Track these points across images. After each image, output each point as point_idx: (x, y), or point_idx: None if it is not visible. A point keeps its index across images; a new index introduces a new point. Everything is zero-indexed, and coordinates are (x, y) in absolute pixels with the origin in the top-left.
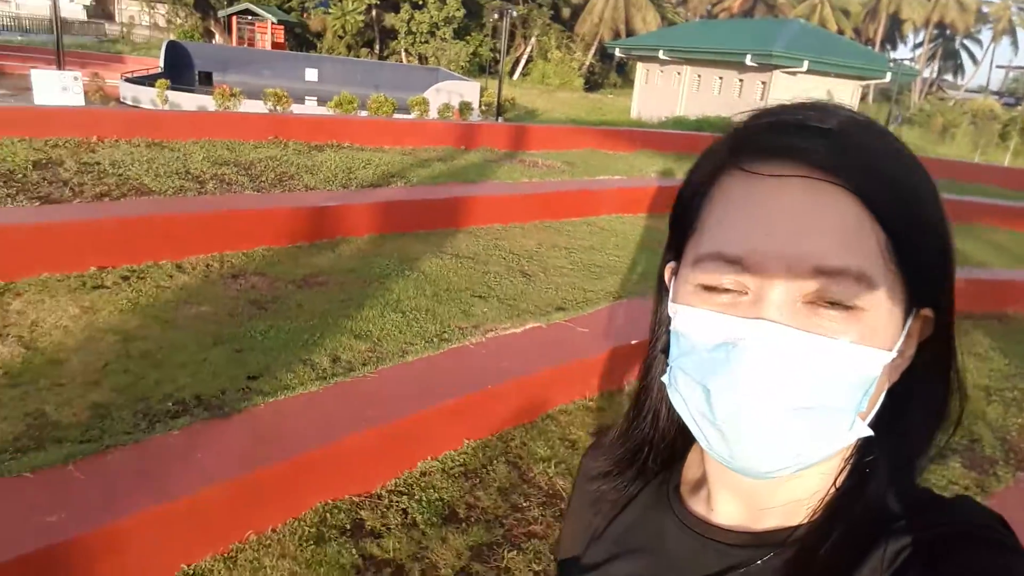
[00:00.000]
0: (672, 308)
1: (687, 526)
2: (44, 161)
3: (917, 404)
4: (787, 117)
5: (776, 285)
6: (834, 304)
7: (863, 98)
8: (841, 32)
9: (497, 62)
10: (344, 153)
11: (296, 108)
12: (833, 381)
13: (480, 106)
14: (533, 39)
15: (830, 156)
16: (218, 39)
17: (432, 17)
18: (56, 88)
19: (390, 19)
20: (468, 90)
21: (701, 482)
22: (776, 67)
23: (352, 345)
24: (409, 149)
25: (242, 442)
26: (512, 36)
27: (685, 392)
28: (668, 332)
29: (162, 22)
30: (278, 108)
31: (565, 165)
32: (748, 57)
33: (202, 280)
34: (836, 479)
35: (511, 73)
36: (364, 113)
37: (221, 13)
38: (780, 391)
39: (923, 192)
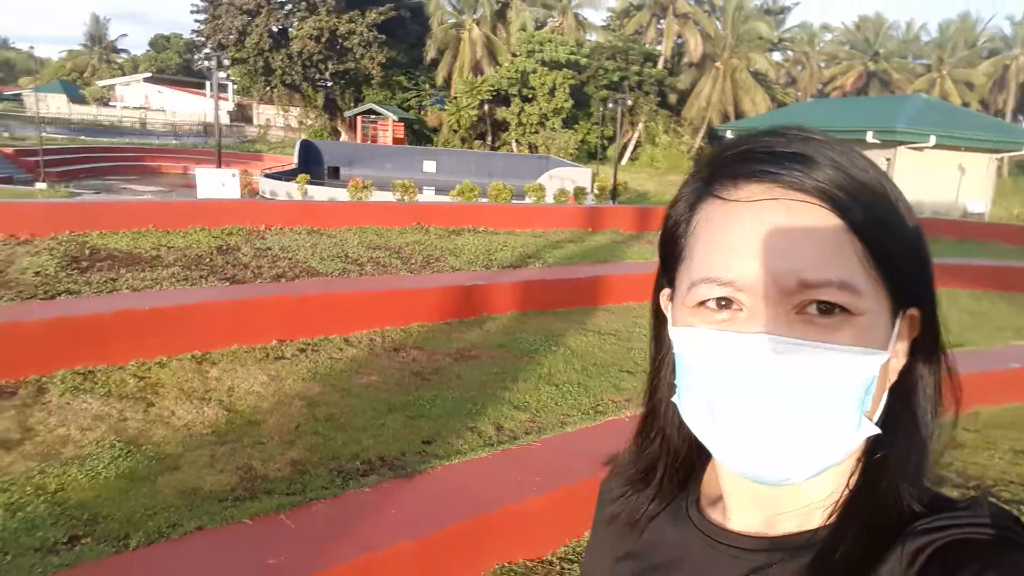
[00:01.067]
0: (673, 332)
1: (707, 535)
2: (224, 247)
3: (917, 400)
4: (754, 145)
5: (768, 301)
6: (824, 312)
7: (998, 171)
8: (966, 105)
9: (605, 148)
10: (481, 236)
11: (418, 198)
12: (834, 384)
13: (593, 190)
14: (640, 124)
15: (801, 178)
16: (344, 137)
17: (541, 109)
18: (216, 184)
19: (501, 112)
20: (580, 176)
21: (719, 495)
22: (900, 143)
23: (513, 415)
24: (539, 232)
25: (426, 501)
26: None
27: (694, 410)
28: (669, 355)
29: (294, 123)
30: (405, 198)
31: None
32: (869, 134)
33: (368, 352)
34: (848, 480)
35: (620, 158)
36: (484, 200)
37: (348, 113)
38: (785, 400)
39: (892, 201)
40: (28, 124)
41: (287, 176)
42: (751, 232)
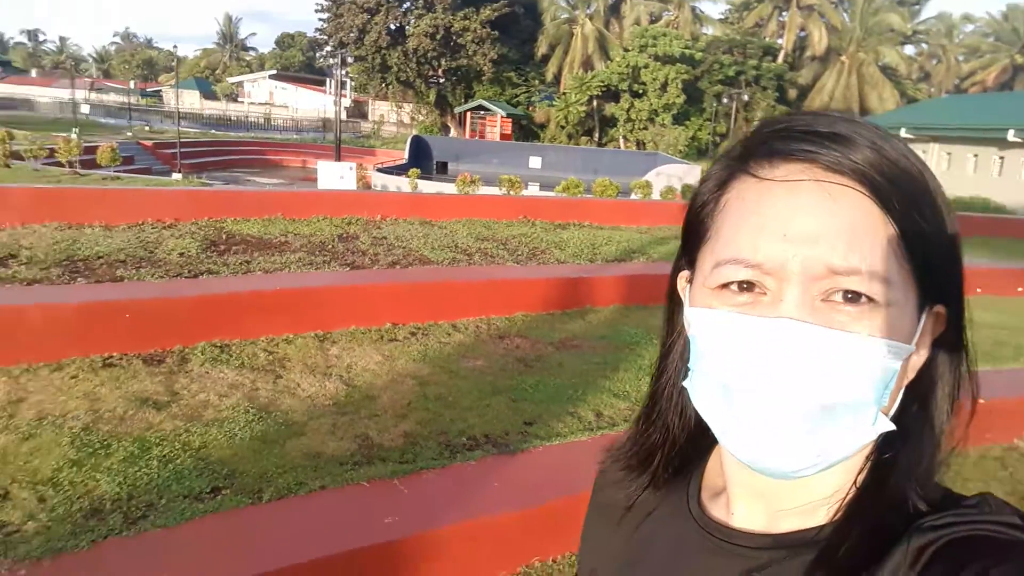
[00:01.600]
0: (690, 313)
1: (707, 531)
2: (344, 235)
3: (934, 399)
4: (795, 124)
5: (794, 285)
6: (851, 300)
7: None
8: None
9: (717, 145)
10: (586, 231)
11: (523, 194)
12: (855, 375)
13: None
14: (756, 121)
15: (840, 159)
16: (453, 132)
17: (652, 104)
18: (335, 176)
19: (610, 108)
20: (689, 173)
21: (722, 489)
22: None
23: (612, 403)
24: (644, 228)
25: (527, 476)
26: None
27: (707, 394)
28: (681, 338)
29: (406, 119)
30: (511, 192)
31: None
32: (1011, 132)
33: (474, 339)
34: (856, 478)
35: None
36: (588, 196)
37: (457, 109)
38: (804, 388)
39: (931, 192)
40: (167, 118)
41: (398, 171)
42: (783, 213)
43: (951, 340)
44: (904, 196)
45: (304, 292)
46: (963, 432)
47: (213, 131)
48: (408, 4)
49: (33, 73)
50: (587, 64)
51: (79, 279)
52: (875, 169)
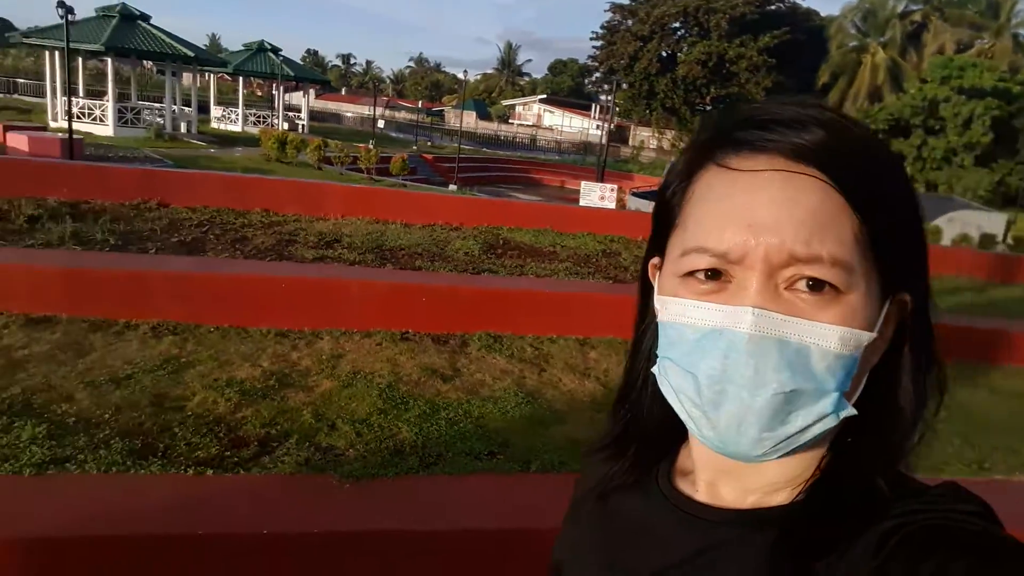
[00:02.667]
0: (659, 301)
1: (673, 504)
2: (607, 251)
3: (899, 385)
4: (760, 113)
5: (758, 274)
6: (813, 289)
7: None
8: None
9: None
10: None
11: None
12: (816, 362)
13: (1006, 240)
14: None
15: (804, 148)
16: None
17: (950, 143)
18: (597, 196)
19: (897, 144)
20: (989, 222)
21: (691, 470)
22: None
23: None
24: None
25: None
26: None
27: (675, 382)
28: (652, 325)
29: (667, 145)
30: None
31: None
32: None
33: None
34: (821, 461)
35: None
36: None
37: None
38: (766, 375)
39: (896, 180)
40: (446, 135)
41: (653, 196)
42: (747, 203)
43: (917, 328)
44: (867, 184)
45: (568, 298)
46: (931, 419)
47: (484, 149)
48: (682, 31)
49: (343, 91)
50: (874, 95)
51: (388, 264)
52: (838, 158)
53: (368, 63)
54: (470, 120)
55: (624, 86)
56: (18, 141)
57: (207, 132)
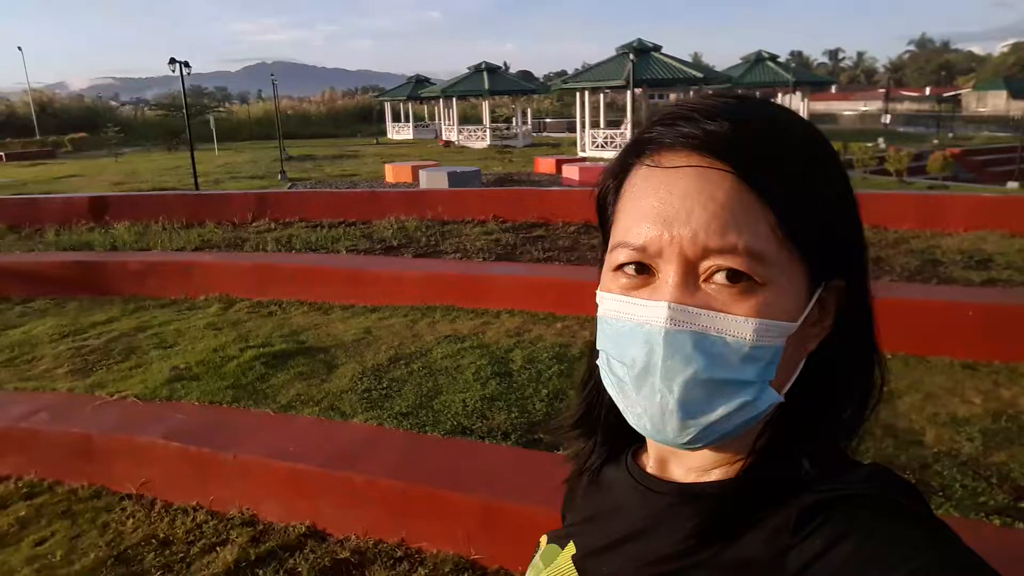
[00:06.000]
0: (597, 296)
1: (633, 477)
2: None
3: (839, 371)
4: (681, 111)
5: (676, 266)
6: (732, 280)
7: None
8: None
9: None
10: None
11: None
12: (733, 354)
13: None
14: None
15: (716, 143)
16: None
17: None
18: None
19: None
20: None
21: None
22: None
23: None
24: None
25: None
26: None
27: (609, 374)
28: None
29: None
30: None
31: None
32: None
33: None
34: (756, 443)
35: None
36: None
37: None
38: (684, 367)
39: (820, 166)
40: (968, 124)
41: None
42: (665, 199)
43: (854, 313)
44: (781, 176)
45: None
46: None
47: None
48: None
49: (832, 89)
50: None
51: None
52: (753, 150)
53: (859, 55)
54: (999, 101)
55: None
56: (570, 171)
57: None
